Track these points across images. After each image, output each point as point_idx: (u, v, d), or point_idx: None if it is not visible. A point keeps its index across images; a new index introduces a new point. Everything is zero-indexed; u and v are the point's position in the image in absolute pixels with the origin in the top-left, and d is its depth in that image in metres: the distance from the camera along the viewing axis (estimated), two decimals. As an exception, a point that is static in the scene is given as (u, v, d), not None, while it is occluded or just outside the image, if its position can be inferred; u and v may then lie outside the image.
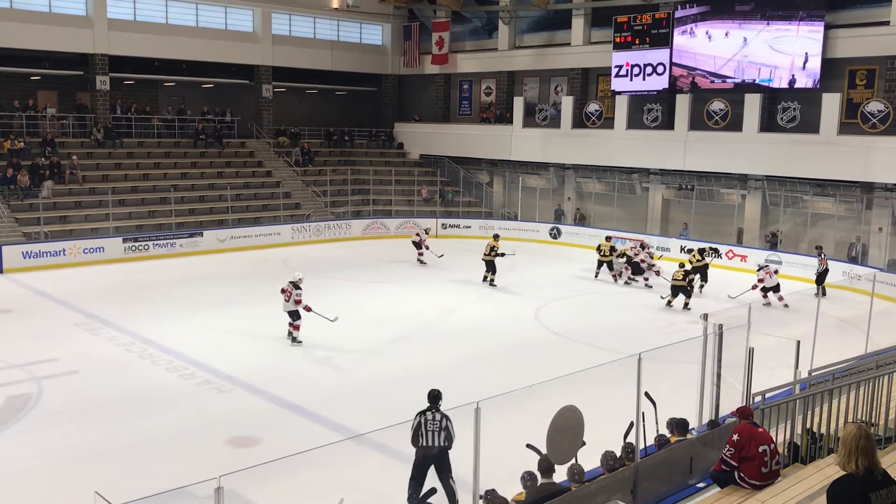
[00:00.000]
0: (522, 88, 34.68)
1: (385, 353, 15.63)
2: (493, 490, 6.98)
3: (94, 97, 30.32)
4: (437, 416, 8.48)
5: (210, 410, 12.28)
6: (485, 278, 21.98)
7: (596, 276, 23.26)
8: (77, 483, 9.34)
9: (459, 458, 7.24)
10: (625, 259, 23.07)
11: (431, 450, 8.44)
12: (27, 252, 23.58)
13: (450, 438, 8.46)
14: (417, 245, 24.94)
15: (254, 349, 15.62)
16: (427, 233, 25.50)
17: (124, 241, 25.47)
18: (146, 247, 25.80)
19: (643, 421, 7.94)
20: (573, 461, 7.33)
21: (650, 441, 8.29)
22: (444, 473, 8.51)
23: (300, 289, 15.74)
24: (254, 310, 18.64)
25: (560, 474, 7.36)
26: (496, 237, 22.77)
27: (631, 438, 7.93)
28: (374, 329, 17.22)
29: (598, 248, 23.58)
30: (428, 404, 8.65)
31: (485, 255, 22.03)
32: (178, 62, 32.08)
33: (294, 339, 15.78)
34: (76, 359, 14.60)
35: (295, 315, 15.78)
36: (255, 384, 13.35)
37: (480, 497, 6.94)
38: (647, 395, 8.09)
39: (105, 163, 29.05)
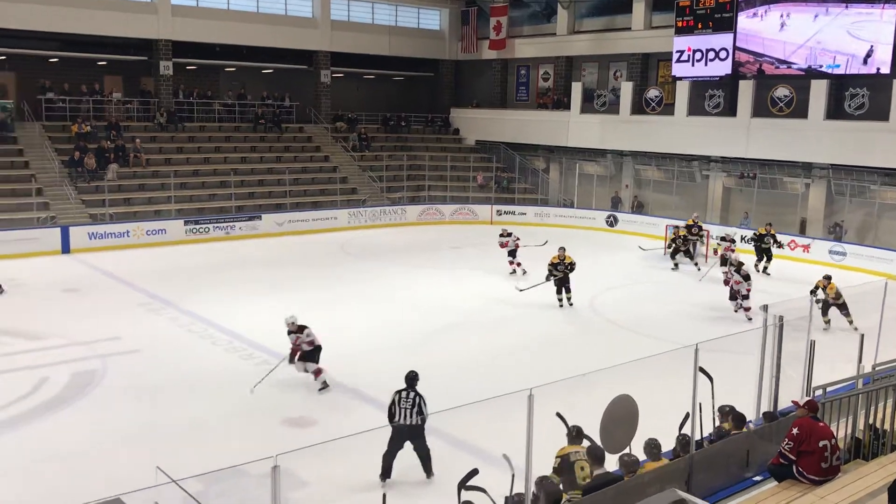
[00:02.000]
0: (581, 74, 34.28)
1: (440, 339, 15.69)
2: (547, 477, 6.98)
3: (158, 82, 30.98)
4: (411, 395, 9.31)
5: (267, 391, 12.50)
6: (560, 300, 18.23)
7: (675, 266, 22.95)
8: (139, 458, 9.62)
9: (512, 445, 7.23)
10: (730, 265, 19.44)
11: (405, 426, 9.13)
12: (93, 233, 24.30)
13: (423, 415, 9.19)
14: (513, 253, 21.54)
15: (313, 331, 15.77)
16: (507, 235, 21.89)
17: (185, 223, 26.07)
18: (206, 229, 26.35)
19: (699, 412, 7.83)
20: (627, 451, 7.28)
21: (706, 433, 8.18)
22: (420, 442, 9.25)
23: (307, 329, 12.61)
24: (311, 294, 18.88)
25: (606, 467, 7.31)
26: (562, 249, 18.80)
27: (686, 430, 7.83)
28: (429, 315, 17.31)
29: (678, 236, 23.28)
30: (405, 384, 9.41)
31: (555, 267, 18.34)
32: (238, 48, 32.54)
33: (325, 385, 12.62)
34: (139, 338, 15.02)
35: (310, 357, 12.64)
36: (311, 366, 13.53)
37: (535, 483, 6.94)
38: (701, 370, 7.94)
39: (167, 146, 29.69)
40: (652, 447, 7.63)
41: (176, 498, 5.33)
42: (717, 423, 8.61)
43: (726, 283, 18.53)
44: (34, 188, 25.22)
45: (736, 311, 17.60)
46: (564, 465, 7.38)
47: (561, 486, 7.07)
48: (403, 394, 9.33)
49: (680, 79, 29.33)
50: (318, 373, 12.46)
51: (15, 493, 8.94)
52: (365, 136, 34.35)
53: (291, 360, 12.48)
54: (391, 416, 9.30)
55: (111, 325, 15.76)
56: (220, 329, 15.71)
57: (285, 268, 22.25)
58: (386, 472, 9.17)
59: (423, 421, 9.15)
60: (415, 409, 9.20)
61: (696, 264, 22.27)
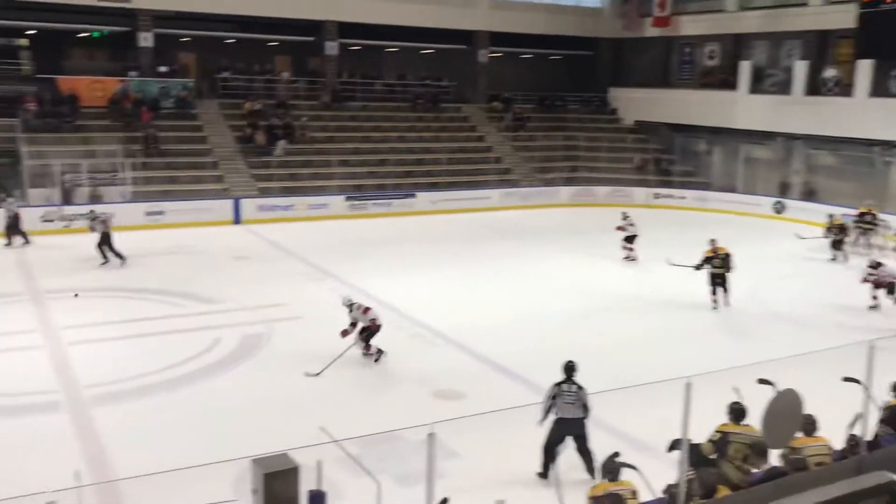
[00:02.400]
0: (750, 52, 32.53)
1: (591, 320, 15.51)
2: (707, 469, 6.79)
3: (324, 62, 32.23)
4: (573, 388, 8.72)
5: (418, 363, 12.83)
6: (715, 301, 16.51)
7: (834, 258, 21.56)
8: (302, 419, 10.18)
9: (665, 435, 7.07)
10: None
11: (568, 421, 8.67)
12: (262, 205, 25.75)
13: (586, 409, 8.68)
14: (630, 240, 20.74)
15: (463, 307, 16.05)
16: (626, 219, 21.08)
17: (346, 199, 27.11)
18: (365, 205, 27.28)
19: (867, 412, 7.33)
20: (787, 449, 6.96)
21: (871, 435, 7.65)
22: (582, 442, 8.72)
23: (353, 313, 12.60)
24: (460, 270, 19.19)
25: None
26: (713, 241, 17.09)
27: (856, 430, 7.35)
28: (581, 297, 17.15)
29: (835, 226, 21.87)
30: (564, 375, 8.84)
31: (709, 262, 16.61)
32: (400, 29, 33.25)
33: (380, 351, 12.69)
34: (302, 305, 15.81)
35: (363, 336, 12.60)
36: (462, 341, 13.76)
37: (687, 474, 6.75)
38: (851, 379, 7.43)
39: (331, 125, 30.87)
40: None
41: (337, 457, 5.59)
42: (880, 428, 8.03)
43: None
44: (211, 162, 27.01)
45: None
46: (722, 442, 7.22)
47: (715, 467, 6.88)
48: (564, 386, 8.74)
49: (862, 57, 27.21)
50: (367, 349, 12.53)
51: (187, 441, 9.67)
52: (520, 116, 34.27)
53: (344, 335, 12.44)
54: (548, 410, 8.78)
55: (276, 293, 16.68)
56: (377, 300, 16.17)
57: (438, 245, 22.66)
58: (545, 470, 8.73)
59: (586, 416, 8.70)
60: (577, 403, 8.67)
61: (864, 255, 20.65)
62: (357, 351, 12.54)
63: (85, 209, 21.82)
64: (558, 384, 8.80)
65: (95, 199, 24.12)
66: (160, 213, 24.21)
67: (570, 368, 8.90)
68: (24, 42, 29.80)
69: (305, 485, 5.11)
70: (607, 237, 21.44)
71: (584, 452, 8.81)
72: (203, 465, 7.54)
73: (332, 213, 26.50)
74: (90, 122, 26.73)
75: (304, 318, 15.10)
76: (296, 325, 14.64)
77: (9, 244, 20.81)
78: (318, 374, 12.03)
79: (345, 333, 12.43)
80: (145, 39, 28.81)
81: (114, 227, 19.40)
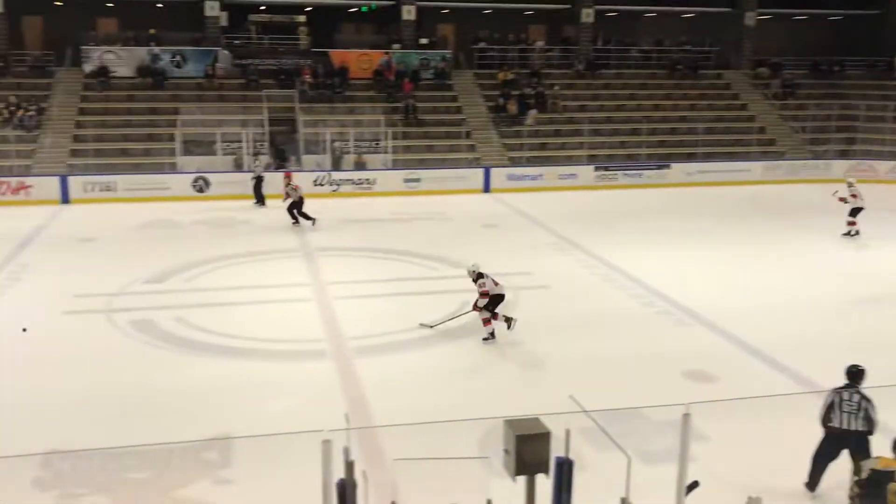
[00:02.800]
0: None
1: (857, 310, 14.04)
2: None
3: (579, 29, 31.86)
4: (855, 397, 7.60)
5: (666, 340, 12.40)
6: None
7: None
8: (546, 386, 10.28)
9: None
10: None
11: (846, 434, 7.58)
12: (511, 175, 26.16)
13: (870, 422, 7.52)
14: (855, 213, 19.05)
15: (716, 286, 15.24)
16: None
17: (595, 169, 26.74)
18: (615, 176, 26.75)
19: None
20: None
21: None
22: (863, 455, 7.38)
23: (481, 279, 12.12)
24: (718, 247, 18.26)
25: None
26: None
27: None
28: (848, 283, 15.63)
29: None
30: (846, 381, 7.73)
31: None
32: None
33: (490, 336, 12.15)
34: (547, 275, 15.87)
35: (487, 305, 12.13)
36: (715, 321, 13.08)
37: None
38: None
39: (583, 93, 30.51)
40: None
41: (581, 428, 5.55)
42: None
43: None
44: (464, 131, 27.85)
45: None
46: (875, 479, 6.28)
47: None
48: (845, 394, 7.63)
49: None
50: (486, 322, 12.07)
51: (437, 395, 10.12)
52: (790, 83, 31.66)
53: (475, 308, 12.15)
54: (826, 420, 7.71)
55: (523, 261, 16.88)
56: (624, 274, 15.90)
57: (692, 219, 21.68)
58: (813, 482, 7.86)
59: (871, 430, 7.57)
60: (860, 415, 7.56)
61: None
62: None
63: (349, 175, 23.77)
64: (838, 390, 7.71)
65: (360, 165, 25.89)
66: (417, 180, 25.43)
67: (855, 374, 7.76)
68: (301, 18, 32.53)
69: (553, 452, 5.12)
70: (886, 216, 19.30)
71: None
72: (455, 421, 7.86)
73: (580, 184, 26.29)
74: (357, 92, 28.62)
75: (550, 287, 15.14)
76: (541, 294, 14.72)
77: (258, 203, 22.89)
78: (433, 326, 12.42)
79: (480, 299, 12.02)
80: (408, 12, 30.22)
81: (305, 194, 20.86)
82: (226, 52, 28.88)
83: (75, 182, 23.54)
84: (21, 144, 24.71)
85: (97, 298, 14.08)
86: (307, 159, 26.05)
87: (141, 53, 28.05)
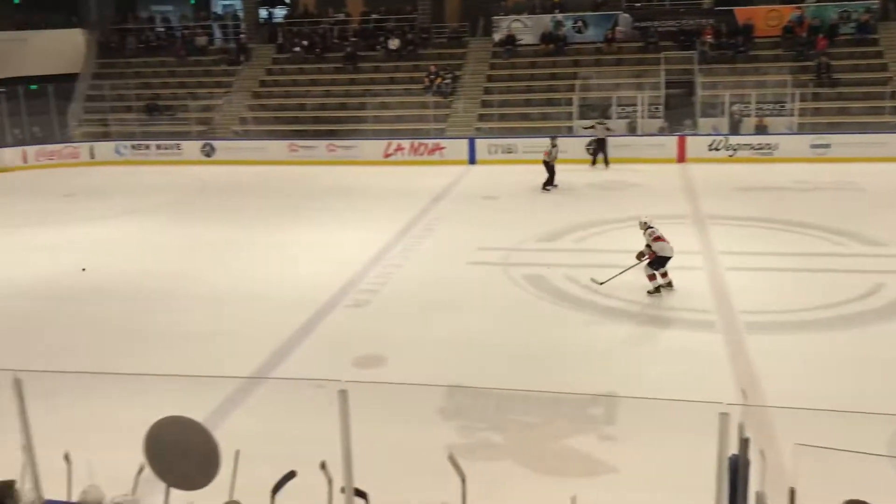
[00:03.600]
0: None
1: None
2: None
3: None
4: None
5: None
6: None
7: None
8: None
9: None
10: None
11: None
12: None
13: None
14: None
15: None
16: None
17: None
18: None
19: None
20: None
21: None
22: None
23: (649, 230, 12.50)
24: None
25: None
26: None
27: None
28: None
29: None
30: None
31: None
32: None
33: (657, 289, 12.44)
34: None
35: (653, 264, 12.39)
36: None
37: None
38: None
39: None
40: None
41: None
42: None
43: None
44: (888, 91, 24.53)
45: None
46: None
47: None
48: None
49: None
50: (650, 277, 12.27)
51: (840, 384, 9.16)
52: None
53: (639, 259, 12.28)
54: None
55: None
56: None
57: None
58: None
59: None
60: None
61: None
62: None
63: (747, 139, 22.47)
64: None
65: (760, 129, 24.27)
66: (826, 145, 23.11)
67: None
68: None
69: None
70: None
71: None
72: (869, 414, 7.07)
73: None
74: (762, 51, 26.74)
75: None
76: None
77: (594, 164, 23.62)
78: (602, 283, 12.37)
79: (640, 256, 12.28)
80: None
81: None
82: (626, 15, 28.87)
83: (481, 144, 25.57)
84: (438, 109, 27.45)
85: (496, 252, 15.18)
86: (703, 123, 25.13)
87: (545, 21, 29.27)
